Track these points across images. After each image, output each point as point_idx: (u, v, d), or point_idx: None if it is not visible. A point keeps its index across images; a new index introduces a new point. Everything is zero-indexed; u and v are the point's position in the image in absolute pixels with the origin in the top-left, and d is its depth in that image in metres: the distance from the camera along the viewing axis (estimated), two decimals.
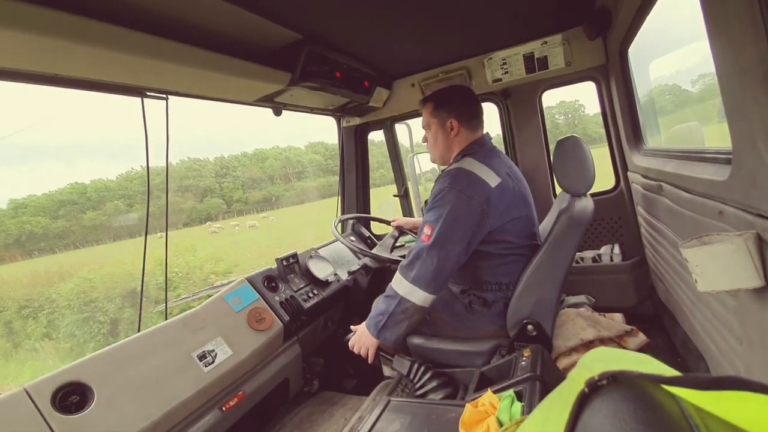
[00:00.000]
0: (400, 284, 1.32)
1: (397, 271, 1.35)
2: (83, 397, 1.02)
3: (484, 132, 1.48)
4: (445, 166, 1.49)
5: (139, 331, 1.26)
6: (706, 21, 0.73)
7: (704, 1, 0.72)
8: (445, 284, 1.34)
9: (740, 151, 0.69)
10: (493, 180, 1.31)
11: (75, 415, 0.98)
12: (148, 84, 1.28)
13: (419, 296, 1.29)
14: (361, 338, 1.38)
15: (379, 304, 1.37)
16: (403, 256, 1.87)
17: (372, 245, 2.30)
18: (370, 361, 1.37)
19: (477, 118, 1.46)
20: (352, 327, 1.47)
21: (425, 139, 1.55)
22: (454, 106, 1.43)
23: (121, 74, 1.17)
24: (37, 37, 0.86)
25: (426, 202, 1.89)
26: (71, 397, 1.00)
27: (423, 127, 1.54)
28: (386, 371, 1.65)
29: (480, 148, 1.41)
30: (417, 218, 2.14)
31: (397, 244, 2.45)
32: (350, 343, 1.42)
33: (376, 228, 2.56)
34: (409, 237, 2.38)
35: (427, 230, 1.31)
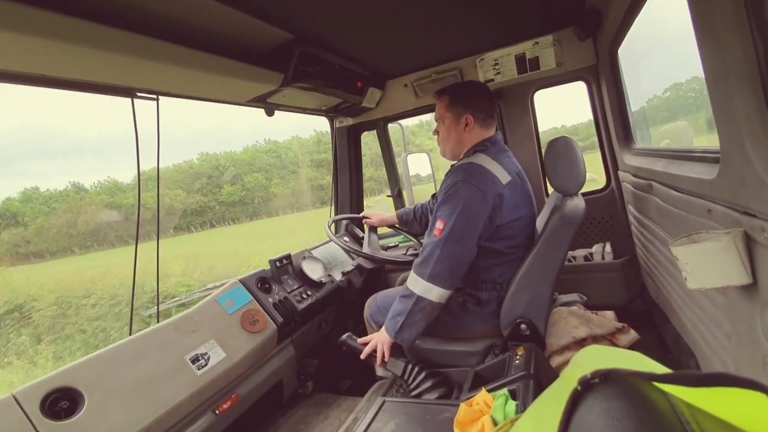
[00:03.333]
0: (415, 283, 1.31)
1: (412, 270, 1.34)
2: (73, 402, 1.00)
3: (496, 131, 1.48)
4: (454, 161, 1.48)
5: (130, 334, 1.25)
6: (693, 22, 0.74)
7: (692, 2, 0.73)
8: (461, 278, 1.33)
9: (728, 151, 0.70)
10: (504, 177, 1.32)
11: (65, 421, 0.96)
12: (139, 84, 1.27)
13: (436, 293, 1.28)
14: (380, 338, 1.36)
15: (396, 304, 1.35)
16: (415, 255, 1.86)
17: None
18: (387, 359, 1.34)
19: (492, 116, 1.46)
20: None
21: (436, 132, 1.53)
22: (472, 102, 1.43)
23: (111, 75, 1.15)
24: (23, 36, 0.85)
25: (433, 195, 1.89)
26: (61, 402, 0.98)
27: (435, 119, 1.53)
28: (379, 372, 1.65)
29: (491, 145, 1.42)
30: (385, 213, 2.12)
31: (391, 244, 2.45)
32: (369, 347, 1.37)
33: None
34: (402, 236, 2.38)
35: (439, 224, 1.29)
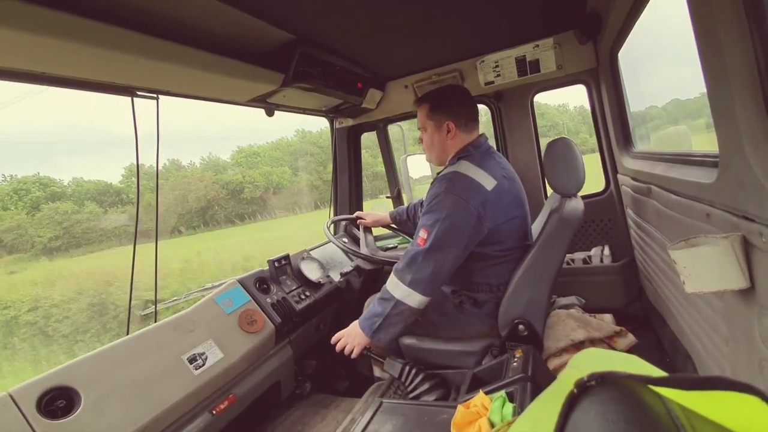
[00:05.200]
0: (396, 287, 1.32)
1: (392, 274, 1.34)
2: (70, 401, 1.00)
3: (480, 133, 1.48)
4: (442, 167, 1.49)
5: (128, 333, 1.25)
6: (693, 26, 0.74)
7: (692, 5, 0.73)
8: (441, 287, 1.34)
9: (727, 155, 0.71)
10: (488, 183, 1.31)
11: (61, 420, 0.96)
12: (139, 83, 1.26)
13: (415, 299, 1.29)
14: (351, 335, 1.38)
15: (374, 306, 1.36)
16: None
17: None
18: (354, 356, 1.37)
19: (474, 120, 1.46)
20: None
21: (421, 140, 1.54)
22: (452, 109, 1.42)
23: (111, 73, 1.15)
24: (24, 34, 0.85)
25: (422, 203, 1.89)
26: (57, 401, 0.98)
27: (418, 128, 1.53)
28: (377, 372, 1.65)
29: (475, 150, 1.41)
30: (378, 213, 2.12)
31: (390, 245, 2.45)
32: (335, 338, 1.42)
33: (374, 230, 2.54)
34: (401, 237, 2.38)
35: (422, 234, 1.30)
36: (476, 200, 1.28)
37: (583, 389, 0.32)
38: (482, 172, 1.33)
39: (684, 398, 0.28)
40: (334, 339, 1.43)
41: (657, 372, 0.31)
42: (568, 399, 0.32)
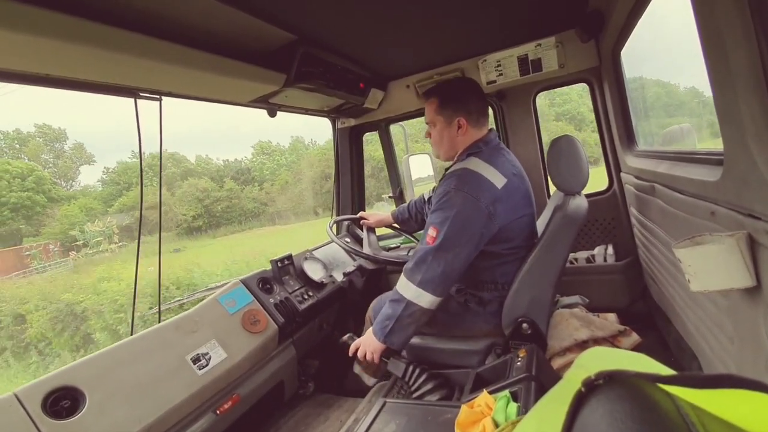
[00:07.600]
0: (406, 288, 1.29)
1: (402, 275, 1.32)
2: (75, 401, 1.00)
3: (489, 128, 1.44)
4: (450, 162, 1.46)
5: (131, 334, 1.25)
6: (697, 24, 0.74)
7: (696, 4, 0.73)
8: (452, 286, 1.31)
9: (732, 153, 0.70)
10: (499, 181, 1.29)
11: (66, 420, 0.96)
12: (142, 85, 1.27)
13: (427, 300, 1.26)
14: (366, 342, 1.35)
15: (385, 309, 1.34)
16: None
17: None
18: (376, 361, 1.34)
19: (484, 115, 1.42)
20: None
21: (428, 135, 1.49)
22: (463, 103, 1.38)
23: (114, 75, 1.15)
24: (27, 36, 0.85)
25: (428, 199, 1.89)
26: (62, 401, 0.98)
27: (426, 123, 1.49)
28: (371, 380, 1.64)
29: (485, 146, 1.38)
30: (381, 213, 2.12)
31: (392, 245, 2.45)
32: (353, 347, 1.39)
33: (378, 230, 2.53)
34: (403, 237, 2.38)
35: (432, 232, 1.27)
36: (486, 198, 1.25)
37: (591, 388, 0.32)
38: (492, 169, 1.30)
39: (694, 396, 0.27)
40: (351, 349, 1.40)
41: (665, 370, 0.31)
42: (575, 398, 0.32)
